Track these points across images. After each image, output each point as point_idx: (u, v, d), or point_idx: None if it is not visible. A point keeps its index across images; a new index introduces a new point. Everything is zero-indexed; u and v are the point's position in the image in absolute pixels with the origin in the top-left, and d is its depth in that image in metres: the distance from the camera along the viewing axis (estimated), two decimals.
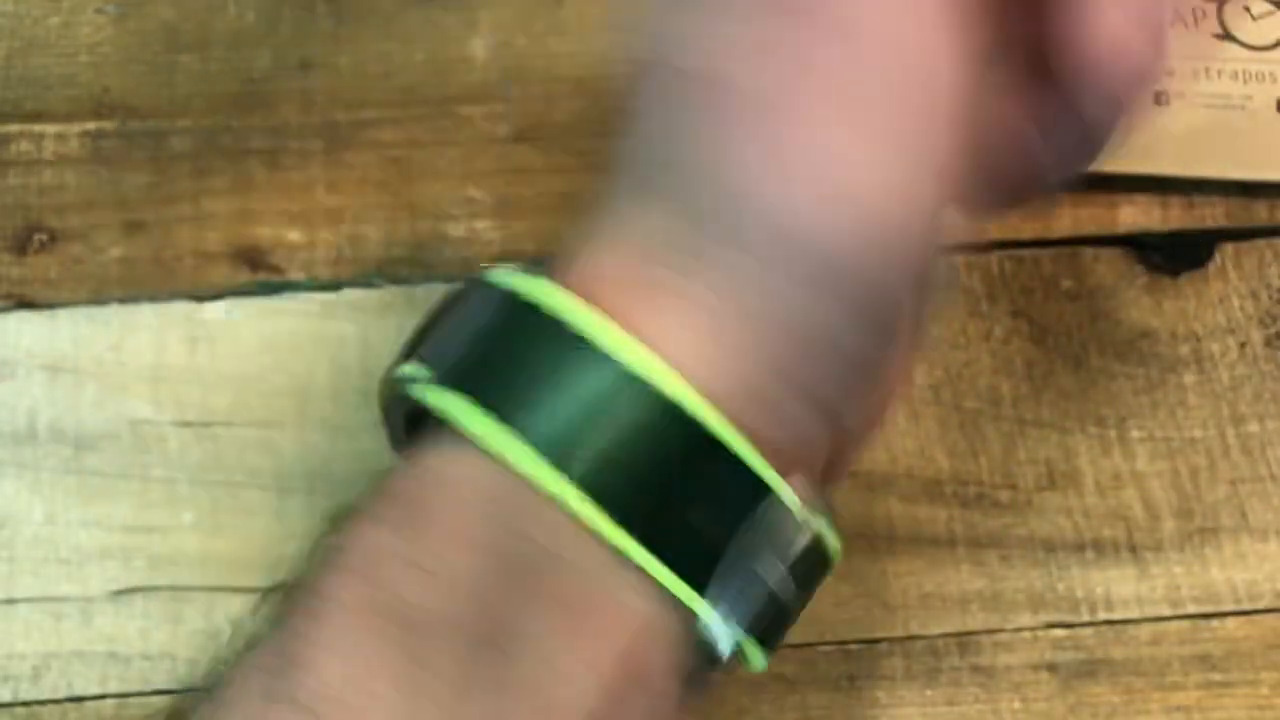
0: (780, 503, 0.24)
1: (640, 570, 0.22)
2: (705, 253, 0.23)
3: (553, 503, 0.22)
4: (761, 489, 0.24)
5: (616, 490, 0.22)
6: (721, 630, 0.23)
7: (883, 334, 0.25)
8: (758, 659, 0.24)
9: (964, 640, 0.37)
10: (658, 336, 0.23)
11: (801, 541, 0.24)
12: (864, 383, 0.25)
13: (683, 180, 0.24)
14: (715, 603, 0.23)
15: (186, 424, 0.38)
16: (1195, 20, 0.42)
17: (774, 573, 0.24)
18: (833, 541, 0.25)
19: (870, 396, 0.26)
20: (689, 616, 0.23)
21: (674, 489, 0.23)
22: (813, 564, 0.25)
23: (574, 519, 0.22)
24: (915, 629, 0.37)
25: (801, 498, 0.24)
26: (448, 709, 0.21)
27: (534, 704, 0.22)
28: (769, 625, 0.24)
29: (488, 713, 0.21)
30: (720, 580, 0.23)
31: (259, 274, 0.40)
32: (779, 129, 0.23)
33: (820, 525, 0.24)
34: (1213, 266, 0.41)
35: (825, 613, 0.37)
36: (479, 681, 0.21)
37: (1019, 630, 0.37)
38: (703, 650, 0.24)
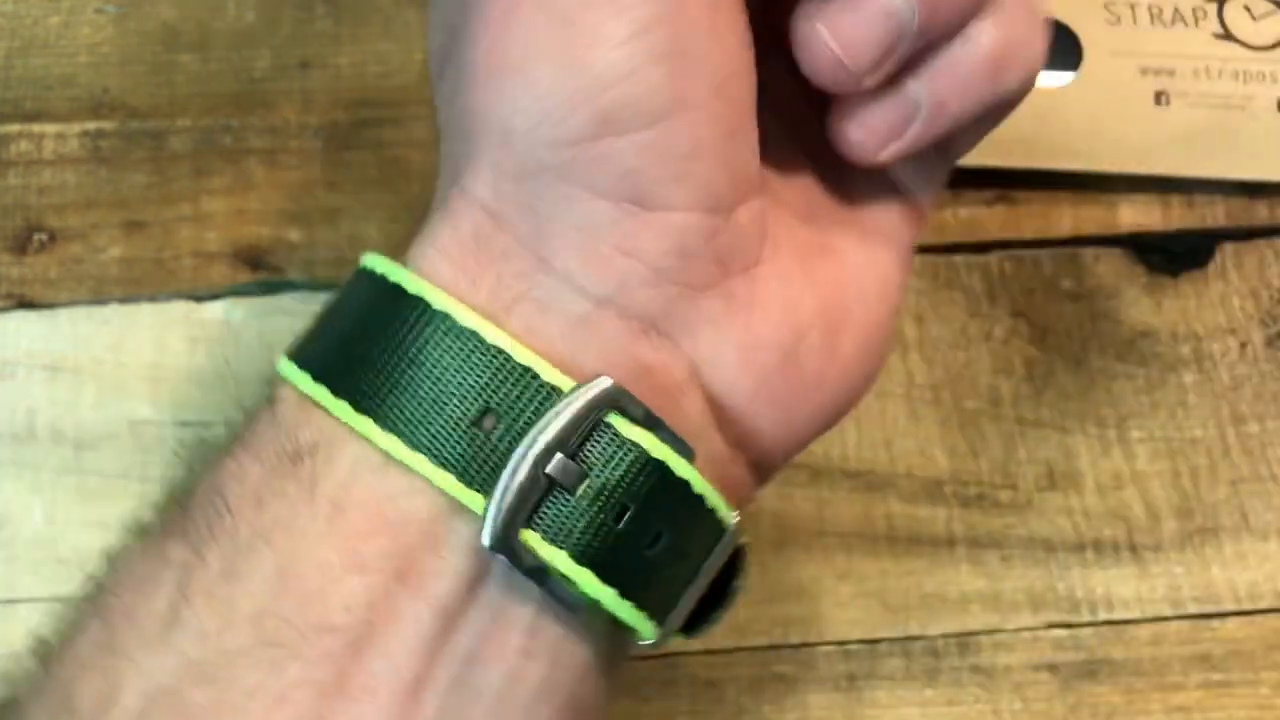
0: (557, 393, 0.23)
1: (415, 474, 0.23)
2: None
3: (320, 410, 0.23)
4: (547, 388, 0.23)
5: (362, 386, 0.23)
6: (491, 524, 0.22)
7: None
8: (591, 586, 0.23)
9: (964, 640, 0.37)
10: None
11: (610, 452, 0.23)
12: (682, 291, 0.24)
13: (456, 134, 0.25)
14: (489, 495, 0.23)
15: (186, 424, 0.38)
16: (1195, 20, 0.42)
17: (562, 469, 0.23)
18: (679, 466, 0.23)
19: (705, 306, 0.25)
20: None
21: (429, 385, 0.23)
22: (641, 478, 0.23)
23: (337, 421, 0.23)
24: (915, 629, 0.37)
25: (606, 402, 0.23)
26: (214, 593, 0.23)
27: (296, 592, 0.23)
28: (609, 556, 0.23)
29: (250, 595, 0.23)
30: (501, 477, 0.23)
31: (259, 274, 0.40)
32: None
33: (644, 439, 0.23)
34: (1213, 266, 0.41)
35: (825, 613, 0.37)
36: (244, 572, 0.23)
37: (1019, 630, 0.37)
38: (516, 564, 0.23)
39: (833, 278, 0.26)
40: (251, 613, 0.23)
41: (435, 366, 0.23)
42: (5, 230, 0.41)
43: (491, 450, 0.23)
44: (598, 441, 0.23)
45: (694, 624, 0.26)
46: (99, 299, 0.40)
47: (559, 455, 0.23)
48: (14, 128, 0.42)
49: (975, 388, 0.39)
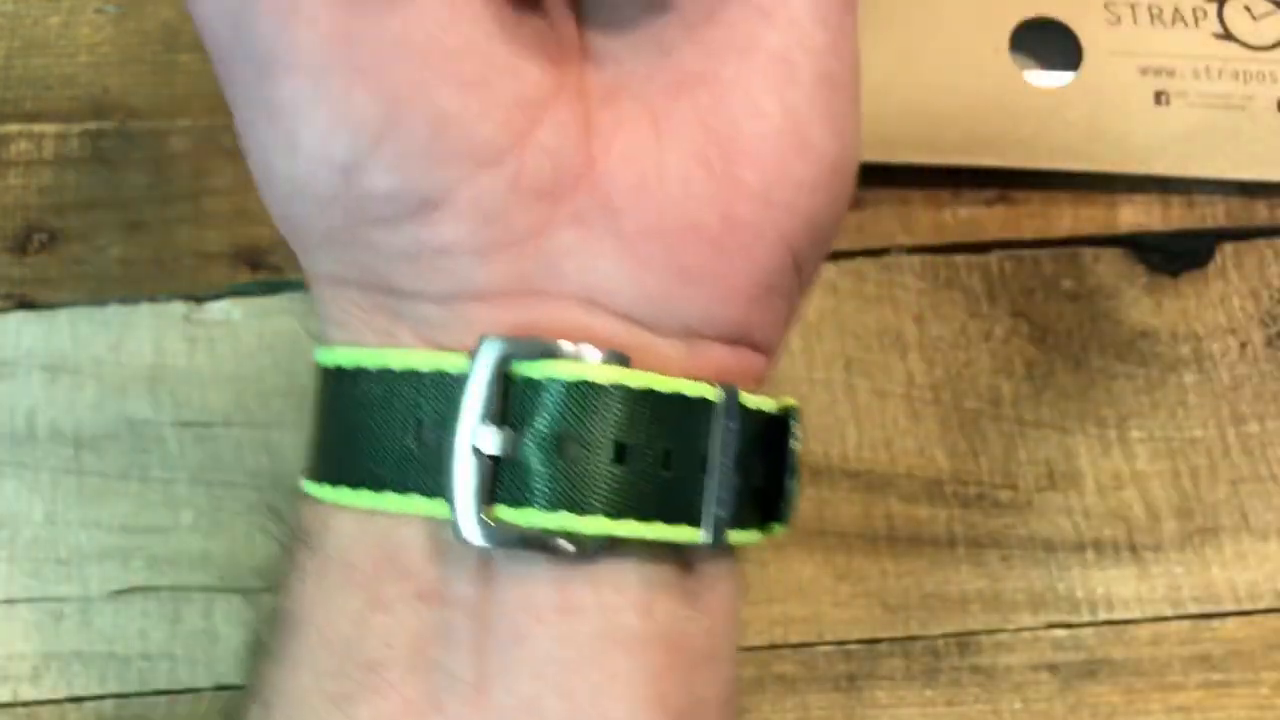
0: (465, 378, 0.23)
1: (353, 508, 0.24)
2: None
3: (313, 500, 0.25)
4: (452, 379, 0.23)
5: (333, 463, 0.25)
6: (460, 522, 0.23)
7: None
8: (576, 524, 0.23)
9: (964, 640, 0.37)
10: None
11: (530, 398, 0.23)
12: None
13: None
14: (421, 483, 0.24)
15: (185, 424, 0.38)
16: (1195, 20, 0.42)
17: (493, 439, 0.23)
18: (603, 375, 0.23)
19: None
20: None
21: (372, 431, 0.24)
22: (569, 406, 0.23)
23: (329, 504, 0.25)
24: (915, 629, 0.37)
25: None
26: (281, 681, 0.24)
27: (339, 646, 0.24)
28: (577, 490, 0.23)
29: (307, 666, 0.24)
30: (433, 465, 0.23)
31: (259, 274, 0.40)
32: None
33: (555, 369, 0.23)
34: (1213, 266, 0.41)
35: (825, 613, 0.37)
36: (296, 651, 0.24)
37: (1019, 630, 0.37)
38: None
39: (700, 109, 0.24)
40: (312, 681, 0.24)
41: (367, 413, 0.24)
42: (5, 230, 0.41)
43: (439, 457, 0.23)
44: (515, 396, 0.23)
45: (773, 509, 0.26)
46: (99, 299, 0.40)
47: (484, 428, 0.23)
48: (14, 128, 0.42)
49: (975, 388, 0.39)
